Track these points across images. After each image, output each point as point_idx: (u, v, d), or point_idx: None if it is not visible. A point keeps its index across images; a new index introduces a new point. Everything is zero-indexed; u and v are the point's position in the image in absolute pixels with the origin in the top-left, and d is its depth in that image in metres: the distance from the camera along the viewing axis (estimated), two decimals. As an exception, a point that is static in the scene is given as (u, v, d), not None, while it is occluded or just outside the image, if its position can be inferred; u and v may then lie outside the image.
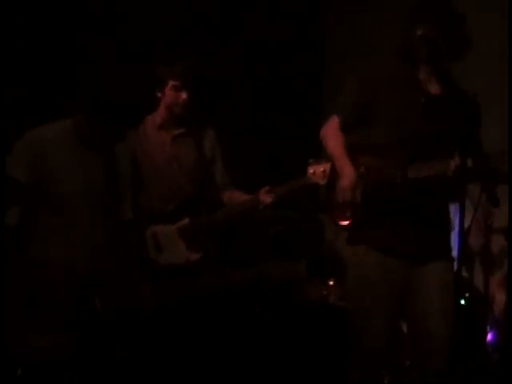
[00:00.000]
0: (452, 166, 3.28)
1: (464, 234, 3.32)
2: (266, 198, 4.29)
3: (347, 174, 3.48)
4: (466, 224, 3.06)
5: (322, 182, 4.08)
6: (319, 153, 4.10)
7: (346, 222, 3.53)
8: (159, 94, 4.38)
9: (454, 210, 3.57)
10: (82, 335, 3.50)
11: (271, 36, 6.17)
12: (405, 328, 4.05)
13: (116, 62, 4.93)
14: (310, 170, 4.15)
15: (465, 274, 4.64)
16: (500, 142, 3.62)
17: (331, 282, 4.75)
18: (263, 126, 6.10)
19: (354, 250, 3.53)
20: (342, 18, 6.60)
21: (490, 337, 4.60)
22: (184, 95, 4.33)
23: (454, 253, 3.35)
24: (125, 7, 5.42)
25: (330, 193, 3.62)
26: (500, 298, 4.64)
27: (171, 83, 4.33)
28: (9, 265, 3.54)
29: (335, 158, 3.58)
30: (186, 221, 4.33)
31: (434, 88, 3.49)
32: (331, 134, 3.63)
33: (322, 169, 4.09)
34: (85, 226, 3.73)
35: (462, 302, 4.50)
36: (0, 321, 3.40)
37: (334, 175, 3.62)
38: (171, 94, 4.34)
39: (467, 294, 4.52)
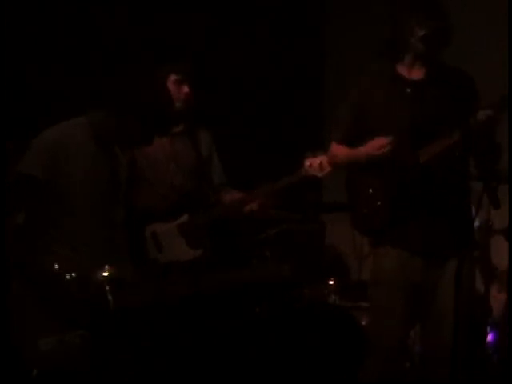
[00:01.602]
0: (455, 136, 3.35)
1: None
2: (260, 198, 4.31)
3: (370, 146, 3.51)
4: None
5: (320, 174, 4.13)
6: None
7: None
8: None
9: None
10: (94, 334, 3.51)
11: (271, 35, 6.18)
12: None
13: (108, 62, 4.96)
14: (307, 163, 4.21)
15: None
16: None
17: (331, 282, 4.76)
18: (263, 125, 6.11)
19: (376, 252, 3.58)
20: (342, 17, 6.61)
21: (490, 338, 4.60)
22: (186, 89, 4.33)
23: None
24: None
25: (355, 205, 3.65)
26: (500, 298, 4.65)
27: (173, 77, 4.33)
28: (17, 265, 3.54)
29: (353, 157, 3.62)
30: (185, 218, 4.33)
31: (418, 73, 3.52)
32: (336, 149, 3.70)
33: (318, 161, 4.16)
34: (94, 224, 3.73)
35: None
36: (7, 322, 3.40)
37: (354, 185, 3.66)
38: (173, 89, 4.33)
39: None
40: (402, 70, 3.53)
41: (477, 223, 4.34)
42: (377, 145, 3.49)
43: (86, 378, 3.50)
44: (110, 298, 3.53)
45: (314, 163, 4.19)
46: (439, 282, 3.48)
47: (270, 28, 6.17)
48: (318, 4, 6.61)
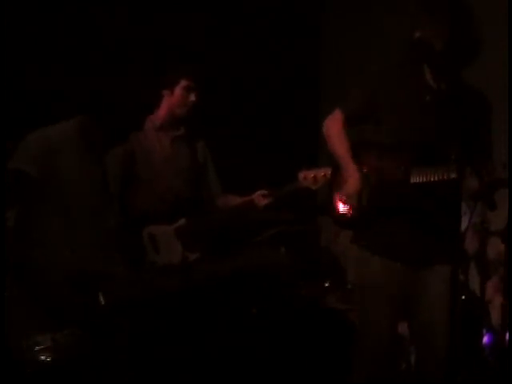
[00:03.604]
0: (452, 174, 3.26)
1: (459, 237, 3.36)
2: (261, 200, 4.36)
3: (352, 175, 3.46)
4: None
5: (313, 186, 4.20)
6: (314, 158, 4.18)
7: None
8: (166, 92, 4.38)
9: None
10: (88, 332, 3.52)
11: (271, 35, 6.18)
12: (401, 330, 4.06)
13: (108, 62, 4.96)
14: (301, 175, 4.27)
15: (461, 276, 4.63)
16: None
17: (327, 284, 4.78)
18: (263, 125, 6.12)
19: (358, 254, 3.54)
20: (342, 17, 6.61)
21: (486, 339, 4.60)
22: (193, 97, 4.34)
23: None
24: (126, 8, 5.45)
25: (332, 193, 3.60)
26: (496, 300, 4.64)
27: (183, 83, 4.34)
28: (11, 265, 3.56)
29: (340, 157, 3.55)
30: (183, 221, 4.35)
31: (439, 85, 3.42)
32: (336, 132, 3.59)
33: (312, 174, 4.26)
34: (85, 224, 3.75)
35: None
36: (3, 322, 3.42)
37: (335, 177, 3.61)
38: (181, 94, 4.34)
39: (463, 297, 4.53)
40: (428, 75, 3.46)
41: (472, 225, 4.34)
42: (354, 183, 3.45)
43: (81, 376, 3.52)
44: (101, 294, 3.56)
45: (308, 176, 4.26)
46: (425, 287, 3.44)
47: (270, 28, 6.17)
48: (317, 4, 6.62)
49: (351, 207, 3.48)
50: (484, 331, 4.56)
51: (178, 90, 4.35)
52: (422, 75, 3.47)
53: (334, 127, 3.60)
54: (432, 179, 3.33)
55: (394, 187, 3.41)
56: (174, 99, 4.36)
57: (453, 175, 3.25)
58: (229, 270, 4.30)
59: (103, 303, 3.64)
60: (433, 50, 3.35)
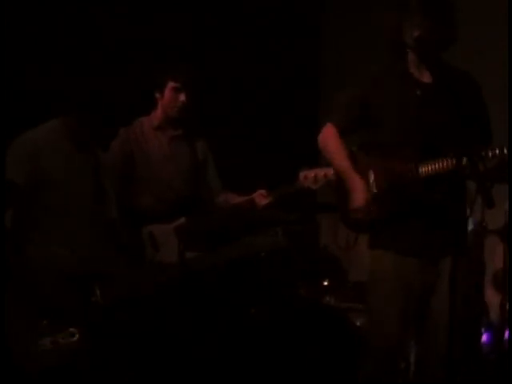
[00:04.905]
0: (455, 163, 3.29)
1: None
2: (261, 199, 4.37)
3: (357, 188, 3.45)
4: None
5: (314, 186, 4.22)
6: (314, 158, 4.19)
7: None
8: (157, 95, 4.41)
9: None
10: (87, 332, 3.53)
11: (271, 35, 6.19)
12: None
13: (108, 62, 4.96)
14: (302, 175, 4.28)
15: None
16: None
17: (325, 283, 4.79)
18: (263, 125, 6.13)
19: (372, 254, 3.54)
20: (342, 17, 6.61)
21: (484, 338, 4.60)
22: (182, 97, 4.35)
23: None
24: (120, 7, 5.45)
25: (343, 200, 3.58)
26: (495, 299, 4.64)
27: (171, 85, 4.36)
28: (8, 267, 3.56)
29: (342, 171, 3.55)
30: (182, 220, 4.36)
31: (426, 76, 3.46)
32: (331, 143, 3.60)
33: (312, 174, 4.26)
34: (77, 224, 3.77)
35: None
36: (3, 322, 3.43)
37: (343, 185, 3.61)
38: (170, 96, 4.37)
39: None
40: (413, 69, 3.48)
41: (471, 224, 4.33)
42: (360, 195, 3.44)
43: (81, 376, 3.52)
44: (98, 293, 3.57)
45: (309, 176, 4.28)
46: (435, 284, 3.46)
47: (270, 28, 6.18)
48: (317, 4, 6.62)
49: (363, 213, 3.47)
50: (483, 330, 4.57)
51: (167, 92, 4.38)
52: (408, 71, 3.48)
53: (327, 138, 3.61)
54: (440, 169, 3.35)
55: (405, 185, 3.42)
56: (165, 101, 4.40)
57: (454, 163, 3.29)
58: (227, 258, 4.31)
59: (102, 302, 3.64)
60: (432, 46, 3.38)
